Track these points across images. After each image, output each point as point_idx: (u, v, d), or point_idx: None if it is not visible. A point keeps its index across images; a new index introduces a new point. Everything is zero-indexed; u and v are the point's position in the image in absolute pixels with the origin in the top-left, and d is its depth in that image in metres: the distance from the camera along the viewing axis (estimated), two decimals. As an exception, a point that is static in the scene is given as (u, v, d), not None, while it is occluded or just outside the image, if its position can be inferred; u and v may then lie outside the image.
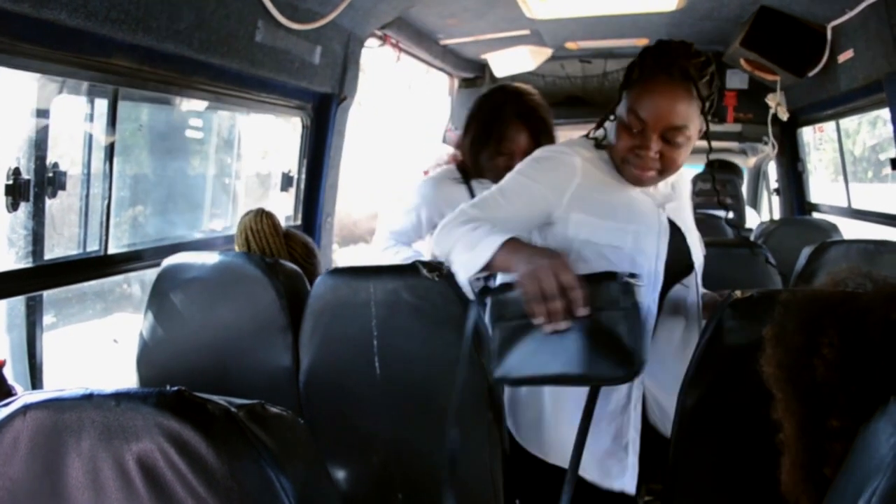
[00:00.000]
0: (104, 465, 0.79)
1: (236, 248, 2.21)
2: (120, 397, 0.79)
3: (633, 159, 1.64)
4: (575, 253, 1.63)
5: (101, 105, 2.14)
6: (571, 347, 1.35)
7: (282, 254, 2.16)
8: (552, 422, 1.69)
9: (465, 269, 1.51)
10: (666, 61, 1.61)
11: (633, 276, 1.39)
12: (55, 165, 1.95)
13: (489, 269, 1.50)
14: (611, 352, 1.33)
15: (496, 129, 2.28)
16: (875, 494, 0.63)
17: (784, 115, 3.77)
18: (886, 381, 0.73)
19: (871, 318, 0.77)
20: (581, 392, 1.44)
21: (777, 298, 0.89)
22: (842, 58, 3.05)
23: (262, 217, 2.19)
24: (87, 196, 2.15)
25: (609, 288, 1.36)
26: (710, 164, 4.63)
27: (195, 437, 0.76)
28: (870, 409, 0.71)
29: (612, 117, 1.73)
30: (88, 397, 0.80)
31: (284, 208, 3.13)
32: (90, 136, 2.15)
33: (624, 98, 1.69)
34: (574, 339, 1.35)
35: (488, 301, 1.46)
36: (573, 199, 1.64)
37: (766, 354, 0.87)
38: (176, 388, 0.79)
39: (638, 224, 1.67)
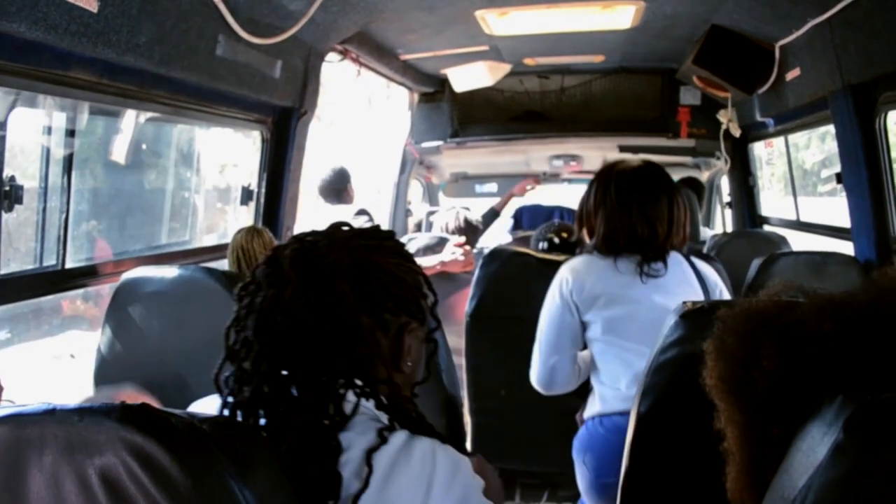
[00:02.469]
0: (66, 480, 0.79)
1: (227, 265, 2.22)
2: (83, 412, 0.80)
3: None
4: None
5: (60, 118, 2.12)
6: None
7: None
8: None
9: None
10: None
11: None
12: (12, 179, 1.92)
13: None
14: None
15: None
16: (811, 490, 0.66)
17: (736, 131, 3.87)
18: (822, 390, 0.77)
19: (805, 329, 0.80)
20: None
21: (716, 312, 0.92)
22: (789, 76, 3.15)
23: (254, 236, 2.21)
24: (45, 210, 2.13)
25: None
26: (682, 182, 4.66)
27: (159, 450, 0.77)
28: (808, 416, 0.75)
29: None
30: (51, 412, 0.80)
31: (244, 222, 3.12)
32: (48, 150, 2.13)
33: None
34: None
35: None
36: None
37: (708, 367, 0.89)
38: (140, 403, 0.80)
39: None
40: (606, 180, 2.07)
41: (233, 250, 2.21)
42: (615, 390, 1.99)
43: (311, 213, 3.81)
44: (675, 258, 2.04)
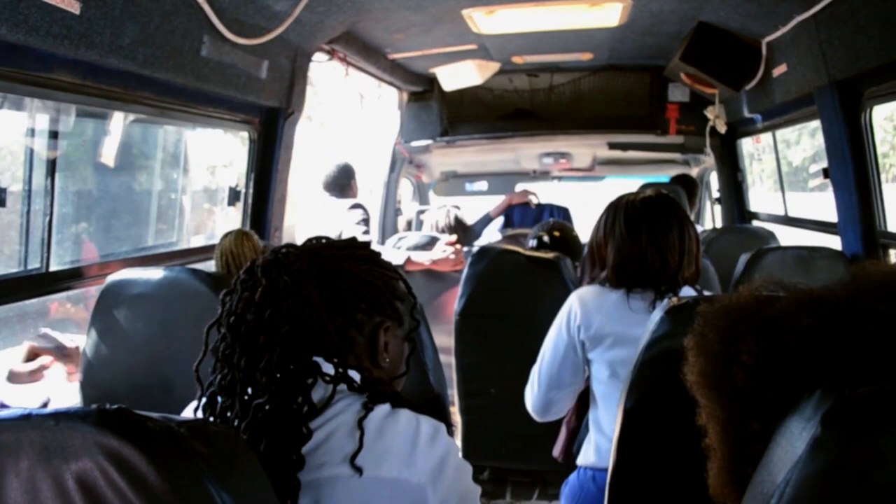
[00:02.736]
0: (43, 486, 0.79)
1: (214, 269, 2.20)
2: (59, 416, 0.79)
3: None
4: None
5: (43, 120, 2.11)
6: None
7: None
8: None
9: None
10: None
11: None
12: (-6, 182, 1.92)
13: None
14: None
15: None
16: (789, 484, 0.66)
17: (722, 128, 3.88)
18: (802, 384, 0.77)
19: (784, 324, 0.80)
20: None
21: (697, 308, 0.92)
22: (776, 72, 3.17)
23: (243, 240, 2.19)
24: (29, 212, 2.12)
25: None
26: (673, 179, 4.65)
27: (135, 454, 0.76)
28: (788, 411, 0.75)
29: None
30: (27, 417, 0.80)
31: (233, 222, 3.12)
32: (31, 152, 2.12)
33: None
34: None
35: None
36: None
37: (689, 363, 0.90)
38: (116, 406, 0.79)
39: None
40: (615, 210, 2.00)
41: (221, 255, 2.18)
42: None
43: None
44: (687, 294, 1.93)
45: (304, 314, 1.11)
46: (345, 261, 1.19)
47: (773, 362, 0.79)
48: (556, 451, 2.30)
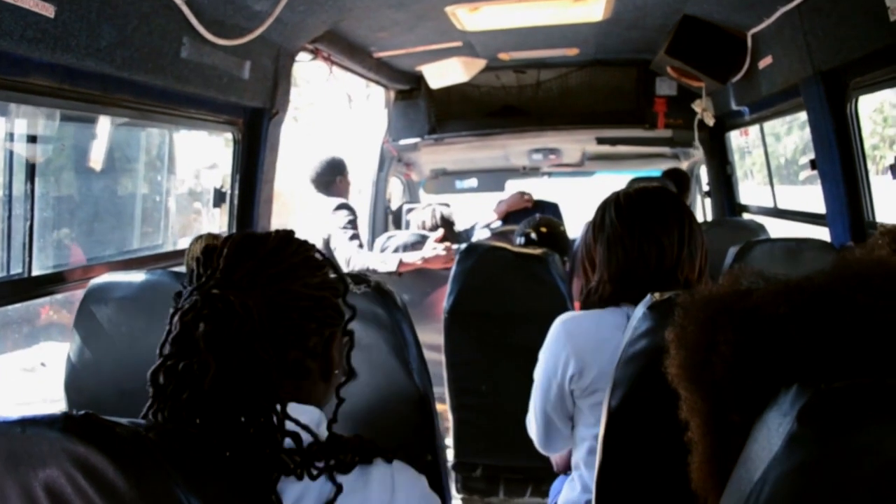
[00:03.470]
0: (11, 494, 0.78)
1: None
2: (26, 423, 0.78)
3: None
4: None
5: (23, 124, 2.09)
6: None
7: None
8: None
9: None
10: None
11: None
12: (-27, 188, 1.90)
13: None
14: None
15: None
16: (766, 481, 0.65)
17: (710, 121, 3.88)
18: (779, 375, 0.76)
19: (761, 314, 0.80)
20: None
21: (677, 300, 0.91)
22: (762, 64, 3.16)
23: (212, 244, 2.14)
24: (10, 217, 2.10)
25: None
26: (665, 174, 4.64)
27: (102, 461, 0.75)
28: (766, 402, 0.74)
29: None
30: (-8, 425, 0.79)
31: (217, 224, 3.10)
32: (11, 155, 2.10)
33: None
34: None
35: None
36: None
37: (670, 356, 0.89)
38: (83, 412, 0.78)
39: None
40: (605, 206, 1.80)
41: (192, 260, 2.13)
42: None
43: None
44: None
45: (260, 383, 0.98)
46: (284, 280, 1.04)
47: (751, 353, 0.79)
48: (556, 467, 2.27)
